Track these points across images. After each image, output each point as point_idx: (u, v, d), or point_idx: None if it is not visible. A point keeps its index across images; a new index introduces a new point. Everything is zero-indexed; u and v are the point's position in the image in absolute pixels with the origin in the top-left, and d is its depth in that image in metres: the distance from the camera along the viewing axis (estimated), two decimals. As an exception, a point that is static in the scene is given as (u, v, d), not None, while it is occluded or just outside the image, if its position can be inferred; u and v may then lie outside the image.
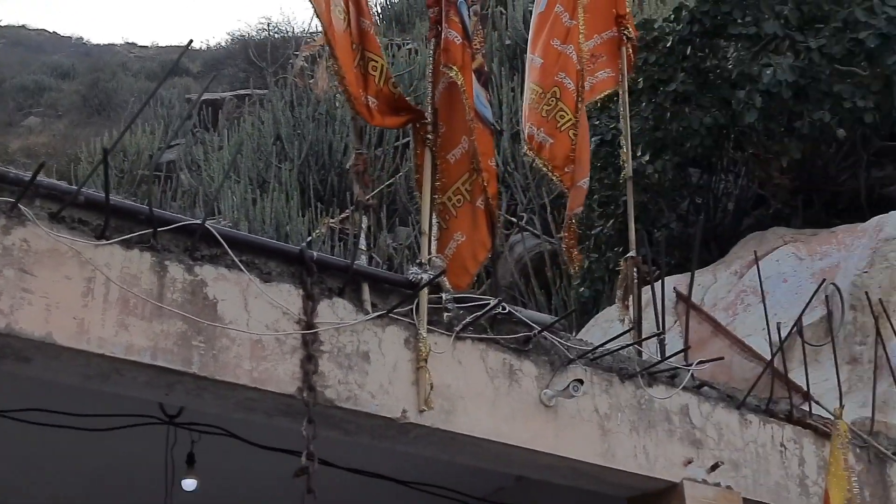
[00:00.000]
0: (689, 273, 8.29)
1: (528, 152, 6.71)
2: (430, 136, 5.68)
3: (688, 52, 10.55)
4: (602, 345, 5.78)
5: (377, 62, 5.46)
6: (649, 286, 7.13)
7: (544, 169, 6.72)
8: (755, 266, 9.15)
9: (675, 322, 8.45)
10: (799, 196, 13.08)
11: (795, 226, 11.84)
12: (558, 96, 6.65)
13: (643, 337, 6.39)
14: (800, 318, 6.78)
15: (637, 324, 6.68)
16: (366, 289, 5.10)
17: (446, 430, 5.14)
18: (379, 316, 5.06)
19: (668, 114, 10.60)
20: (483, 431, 5.24)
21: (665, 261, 11.26)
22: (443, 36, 5.71)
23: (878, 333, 7.21)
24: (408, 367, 5.07)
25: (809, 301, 6.92)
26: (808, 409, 6.65)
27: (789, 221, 12.46)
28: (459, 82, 5.63)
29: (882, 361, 7.51)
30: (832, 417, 6.48)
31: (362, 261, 5.49)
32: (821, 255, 9.47)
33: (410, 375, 5.06)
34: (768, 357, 7.27)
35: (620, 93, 7.24)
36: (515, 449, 5.36)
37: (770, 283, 9.25)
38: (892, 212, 9.16)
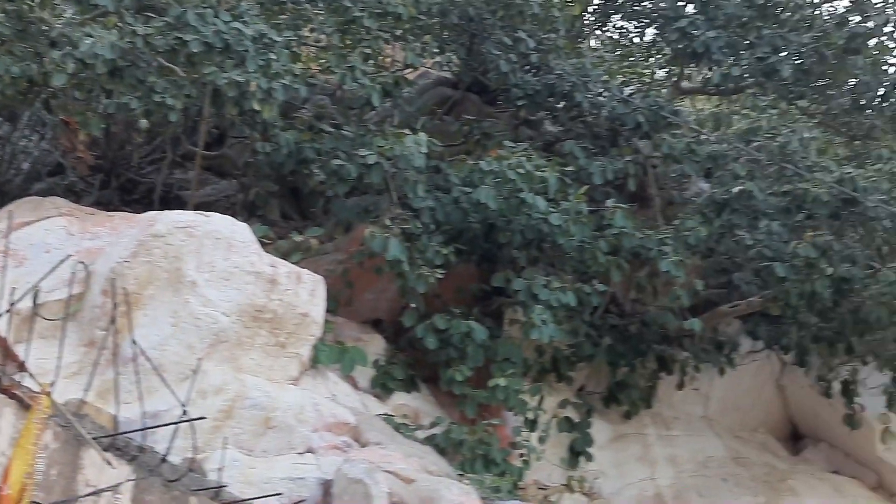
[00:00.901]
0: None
1: None
2: None
3: (10, -5, 9.98)
4: None
5: None
6: None
7: None
8: (21, 230, 8.90)
9: None
10: (99, 175, 13.02)
11: (87, 203, 11.70)
12: None
13: None
14: (35, 289, 6.62)
15: None
16: None
17: None
18: None
19: (-22, 52, 9.92)
20: None
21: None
22: None
23: (113, 321, 7.33)
24: None
25: (47, 274, 6.81)
26: (20, 381, 6.50)
27: (81, 197, 12.29)
28: None
29: (117, 350, 7.63)
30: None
31: None
32: (92, 235, 9.44)
33: None
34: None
35: None
36: None
37: (32, 250, 9.01)
38: (168, 211, 9.40)
